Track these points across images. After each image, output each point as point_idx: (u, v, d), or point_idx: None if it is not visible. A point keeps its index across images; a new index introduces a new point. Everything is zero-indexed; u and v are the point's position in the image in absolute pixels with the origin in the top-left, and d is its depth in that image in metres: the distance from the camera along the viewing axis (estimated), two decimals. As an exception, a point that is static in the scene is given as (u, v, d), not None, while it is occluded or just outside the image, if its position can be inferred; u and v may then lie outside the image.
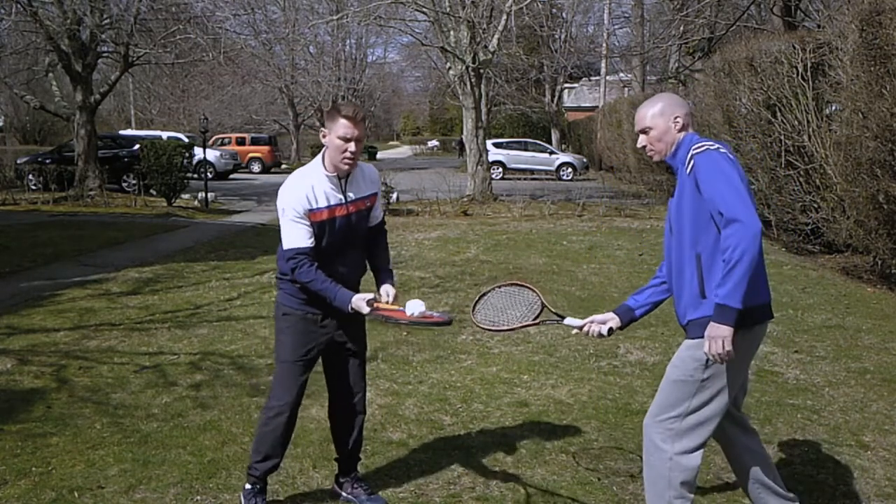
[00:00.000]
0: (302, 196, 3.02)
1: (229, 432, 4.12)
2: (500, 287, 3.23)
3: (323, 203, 3.06)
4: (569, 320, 3.02)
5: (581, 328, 3.03)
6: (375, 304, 3.01)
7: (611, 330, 3.00)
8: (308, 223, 3.03)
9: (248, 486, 3.30)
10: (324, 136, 3.06)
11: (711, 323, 2.59)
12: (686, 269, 2.75)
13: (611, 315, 3.04)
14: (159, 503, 3.37)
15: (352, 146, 3.02)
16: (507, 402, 4.65)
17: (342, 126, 2.99)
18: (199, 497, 3.40)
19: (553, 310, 3.05)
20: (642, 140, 2.87)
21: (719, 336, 2.57)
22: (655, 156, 2.87)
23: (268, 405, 3.25)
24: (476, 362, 5.44)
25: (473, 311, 3.18)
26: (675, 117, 2.79)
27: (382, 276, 3.29)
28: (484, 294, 3.22)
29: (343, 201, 3.12)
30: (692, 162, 2.67)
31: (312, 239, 3.04)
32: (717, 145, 2.70)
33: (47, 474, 3.61)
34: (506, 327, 3.12)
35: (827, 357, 5.56)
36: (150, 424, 4.23)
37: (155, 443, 3.98)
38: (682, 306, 2.80)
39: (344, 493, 3.44)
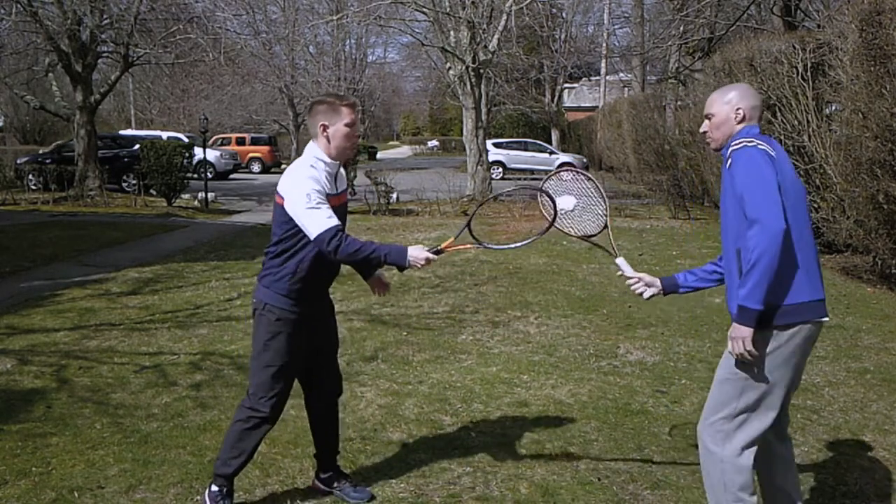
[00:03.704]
0: (322, 179, 3.02)
1: (229, 432, 4.12)
2: (581, 175, 3.33)
3: (331, 190, 3.10)
4: (621, 261, 3.14)
5: (629, 277, 3.11)
6: (441, 247, 3.02)
7: (651, 297, 3.09)
8: (328, 205, 3.01)
9: (214, 487, 3.20)
10: (323, 129, 3.06)
11: (733, 323, 2.60)
12: (732, 264, 2.73)
13: (657, 280, 3.09)
14: (159, 503, 3.37)
15: (357, 130, 3.10)
16: (507, 402, 4.65)
17: (346, 114, 3.06)
18: (198, 497, 3.39)
19: (613, 241, 3.16)
20: (705, 125, 2.85)
21: (739, 336, 2.58)
22: (712, 143, 2.83)
23: (252, 406, 3.16)
24: (476, 362, 5.44)
25: (544, 183, 3.26)
26: (738, 108, 2.74)
27: None
28: (561, 176, 3.35)
29: (336, 191, 3.16)
30: (730, 158, 2.66)
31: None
32: (756, 141, 2.64)
33: (47, 474, 3.61)
34: (569, 231, 3.30)
35: (827, 357, 5.56)
36: (150, 424, 4.23)
37: (155, 443, 3.98)
38: (731, 300, 2.77)
39: (328, 489, 3.41)
